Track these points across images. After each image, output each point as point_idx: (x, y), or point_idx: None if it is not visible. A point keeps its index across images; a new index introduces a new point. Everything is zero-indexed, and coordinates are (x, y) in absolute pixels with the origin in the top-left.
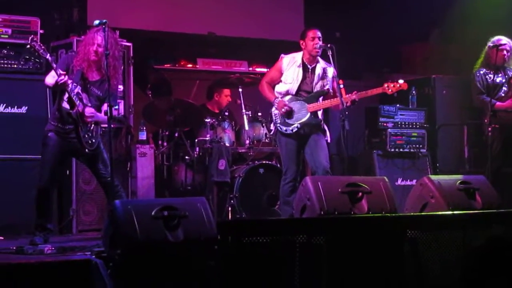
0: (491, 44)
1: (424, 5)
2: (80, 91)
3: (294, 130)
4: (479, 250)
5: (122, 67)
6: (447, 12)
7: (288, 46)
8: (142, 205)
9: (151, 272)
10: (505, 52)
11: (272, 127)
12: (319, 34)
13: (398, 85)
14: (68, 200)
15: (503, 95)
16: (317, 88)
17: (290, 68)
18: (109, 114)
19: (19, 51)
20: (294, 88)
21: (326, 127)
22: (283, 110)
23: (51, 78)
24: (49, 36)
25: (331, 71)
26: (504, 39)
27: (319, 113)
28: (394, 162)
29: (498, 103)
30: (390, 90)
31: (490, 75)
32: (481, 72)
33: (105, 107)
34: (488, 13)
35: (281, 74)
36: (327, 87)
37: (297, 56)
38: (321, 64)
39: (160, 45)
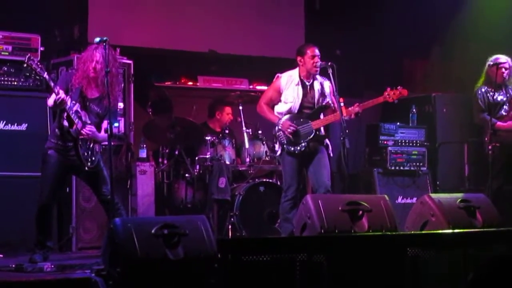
0: (491, 63)
1: (425, 23)
2: (79, 109)
3: (301, 149)
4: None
5: (122, 85)
6: (448, 29)
7: (289, 64)
8: (142, 223)
9: None
10: (503, 70)
11: (277, 147)
12: (318, 52)
13: (398, 92)
14: (68, 218)
15: (504, 113)
16: (319, 103)
17: (289, 87)
18: (109, 132)
19: (20, 68)
20: (296, 106)
21: (328, 141)
22: (289, 130)
23: (51, 100)
24: (49, 53)
25: (327, 85)
26: (502, 57)
27: (322, 128)
28: (395, 180)
29: (498, 122)
30: (391, 98)
31: (491, 93)
32: (483, 90)
33: (105, 124)
34: (488, 32)
35: (280, 93)
36: (327, 100)
37: (294, 74)
38: (318, 79)
39: (161, 63)
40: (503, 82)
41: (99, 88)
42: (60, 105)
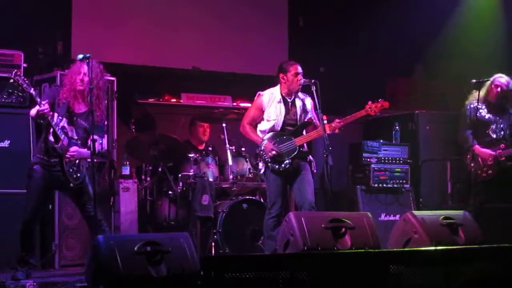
0: (490, 80)
1: (408, 40)
2: (65, 125)
3: (286, 167)
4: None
5: (106, 102)
6: (431, 47)
7: (272, 81)
8: (124, 240)
9: None
10: (499, 89)
11: (261, 166)
12: (301, 69)
13: (380, 105)
14: (51, 235)
15: (493, 135)
16: (301, 120)
17: (271, 104)
18: (92, 149)
19: (3, 84)
20: (279, 123)
21: (311, 157)
22: (271, 154)
23: (34, 110)
24: (32, 70)
25: (309, 101)
26: (503, 78)
27: (305, 144)
28: (378, 198)
29: (476, 145)
30: (373, 111)
31: (481, 110)
32: (472, 106)
33: (89, 141)
34: (471, 50)
35: (263, 112)
36: (309, 117)
37: (275, 92)
38: (299, 96)
39: (144, 80)
40: (497, 102)
41: (86, 102)
42: (42, 117)
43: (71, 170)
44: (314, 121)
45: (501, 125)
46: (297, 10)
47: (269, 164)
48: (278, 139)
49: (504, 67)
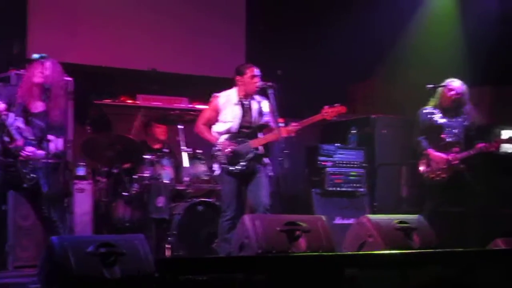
0: (443, 85)
1: (368, 45)
2: (21, 124)
3: (241, 168)
4: None
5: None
6: (390, 53)
7: (229, 83)
8: (79, 242)
9: None
10: (453, 93)
11: (215, 167)
12: (258, 72)
13: (336, 110)
14: (4, 236)
15: (448, 139)
16: (257, 122)
17: (227, 106)
18: (47, 149)
19: None
20: (235, 126)
21: (268, 160)
22: (227, 150)
23: None
24: None
25: (266, 104)
26: (456, 81)
27: (261, 147)
28: (333, 201)
29: (430, 149)
30: (329, 116)
31: (435, 115)
32: (426, 111)
33: (52, 139)
34: (430, 57)
35: (218, 113)
36: (265, 119)
37: (232, 94)
38: (256, 99)
39: (100, 80)
40: (451, 107)
41: (43, 101)
42: None
43: (25, 170)
44: (271, 124)
45: (455, 130)
46: (255, 12)
47: (224, 165)
48: (234, 140)
49: (461, 74)
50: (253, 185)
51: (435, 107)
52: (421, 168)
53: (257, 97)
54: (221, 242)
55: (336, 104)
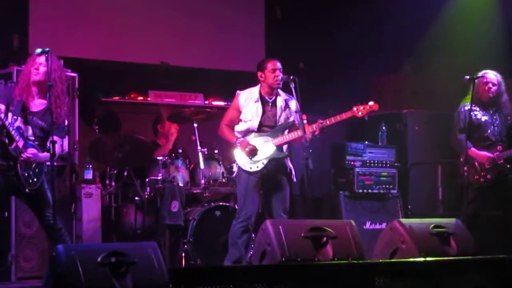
0: (479, 76)
1: (395, 35)
2: (21, 125)
3: (260, 167)
4: None
5: (68, 98)
6: (420, 43)
7: (247, 77)
8: (87, 251)
9: None
10: (490, 85)
11: (235, 168)
12: (279, 65)
13: (368, 107)
14: (6, 245)
15: (492, 137)
16: (281, 121)
17: (248, 104)
18: (51, 151)
19: None
20: (255, 124)
21: (291, 165)
22: (246, 149)
23: None
24: None
25: (293, 103)
26: (490, 73)
27: (285, 147)
28: (362, 204)
29: (473, 148)
30: (360, 113)
31: (475, 112)
32: (466, 108)
33: (48, 143)
34: (464, 46)
35: (240, 112)
36: (291, 119)
37: (254, 91)
38: (282, 97)
39: (108, 76)
40: (489, 101)
41: (44, 99)
42: None
43: (26, 174)
44: (296, 122)
45: (497, 127)
46: (274, 0)
47: (241, 164)
48: (255, 139)
49: (498, 65)
50: (272, 193)
51: (473, 103)
52: (464, 168)
53: (283, 94)
54: (231, 246)
55: (368, 101)
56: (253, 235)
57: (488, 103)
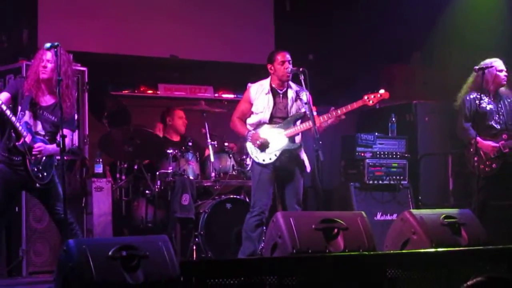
0: (489, 66)
1: (404, 26)
2: (29, 120)
3: (272, 159)
4: None
5: (76, 94)
6: (430, 33)
7: (256, 70)
8: (98, 245)
9: None
10: (504, 73)
11: (248, 161)
12: (288, 57)
13: (379, 95)
14: (18, 240)
15: (495, 125)
16: (292, 112)
17: (259, 96)
18: (61, 146)
19: None
20: (266, 116)
21: (304, 156)
22: (257, 143)
23: None
24: None
25: (305, 95)
26: (498, 61)
27: (297, 139)
28: (373, 195)
29: (478, 138)
30: (371, 102)
31: (481, 101)
32: (471, 96)
33: (58, 137)
34: (473, 36)
35: (251, 105)
36: (303, 110)
37: (265, 83)
38: (293, 88)
39: (117, 70)
40: (496, 89)
41: (53, 94)
42: None
43: (35, 169)
44: (308, 113)
45: (502, 116)
46: None
47: (254, 156)
48: (267, 131)
49: (510, 54)
50: (285, 186)
51: (478, 92)
52: (470, 158)
53: (294, 86)
54: (245, 240)
55: (379, 90)
56: (264, 228)
57: (494, 92)
